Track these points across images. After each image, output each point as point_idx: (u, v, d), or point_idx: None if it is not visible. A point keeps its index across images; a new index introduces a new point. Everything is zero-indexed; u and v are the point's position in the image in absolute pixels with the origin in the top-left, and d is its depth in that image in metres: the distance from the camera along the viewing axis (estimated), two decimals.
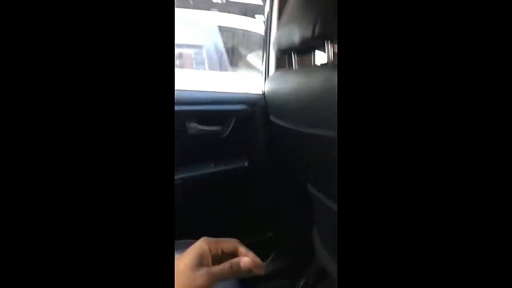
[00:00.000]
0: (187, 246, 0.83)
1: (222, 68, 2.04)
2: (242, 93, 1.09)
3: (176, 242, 0.86)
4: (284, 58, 1.00)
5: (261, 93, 1.09)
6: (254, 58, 2.20)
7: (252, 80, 1.14)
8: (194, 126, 1.02)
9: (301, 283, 1.30)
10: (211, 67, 2.03)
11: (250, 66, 2.24)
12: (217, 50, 2.05)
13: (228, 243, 0.41)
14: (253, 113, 1.07)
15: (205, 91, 1.07)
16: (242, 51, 2.33)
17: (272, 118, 0.94)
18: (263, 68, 1.10)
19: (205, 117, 1.03)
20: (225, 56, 2.09)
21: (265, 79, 1.09)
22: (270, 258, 1.24)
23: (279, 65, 1.04)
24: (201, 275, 0.36)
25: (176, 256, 0.61)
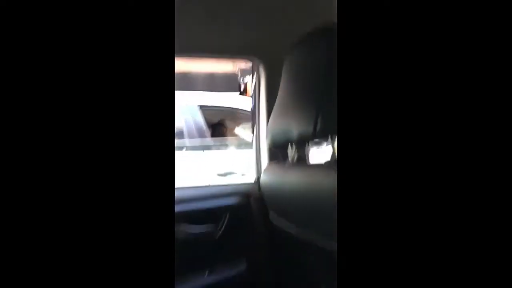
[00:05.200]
0: None
1: (205, 148, 1.99)
2: (233, 184, 1.00)
3: None
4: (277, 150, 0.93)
5: (254, 181, 1.00)
6: (242, 130, 2.17)
7: (243, 158, 1.05)
8: (182, 229, 0.90)
9: None
10: (194, 148, 1.97)
11: (238, 140, 2.21)
12: (199, 130, 2.02)
13: None
14: (248, 206, 0.96)
15: (190, 187, 0.97)
16: (229, 125, 2.32)
17: (272, 217, 0.84)
18: (253, 149, 1.02)
19: (194, 217, 0.92)
20: (208, 135, 2.05)
21: (256, 162, 1.00)
22: None
23: (272, 156, 0.96)
24: None
25: None
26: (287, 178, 0.72)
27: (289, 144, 0.72)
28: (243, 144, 2.10)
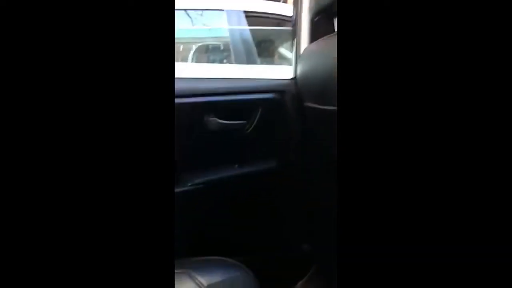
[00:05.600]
0: (207, 264, 0.69)
1: (250, 61, 1.92)
2: (269, 79, 0.96)
3: (195, 259, 0.74)
4: (320, 28, 0.85)
5: (291, 77, 0.94)
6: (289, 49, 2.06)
7: (284, 70, 1.00)
8: (214, 121, 0.90)
9: None
10: (238, 61, 1.92)
11: (283, 58, 2.11)
12: (244, 42, 1.94)
13: None
14: (282, 102, 0.93)
15: (225, 79, 0.95)
16: (274, 42, 2.20)
17: (307, 102, 0.80)
18: (293, 50, 0.96)
19: (226, 109, 0.92)
20: (253, 48, 1.96)
21: (295, 62, 0.95)
22: (307, 275, 1.10)
23: (314, 37, 0.88)
24: None
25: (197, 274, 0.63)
26: (327, 53, 0.66)
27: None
28: (287, 60, 2.01)
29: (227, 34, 1.95)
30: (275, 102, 0.94)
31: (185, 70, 1.92)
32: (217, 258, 0.80)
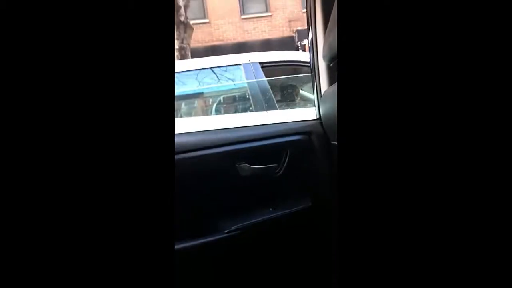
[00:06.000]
0: None
1: (269, 107, 2.01)
2: (294, 121, 1.00)
3: None
4: (336, 72, 0.91)
5: (316, 118, 0.98)
6: (309, 90, 2.14)
7: (308, 112, 1.05)
8: (245, 167, 0.94)
9: None
10: (257, 108, 2.01)
11: (306, 100, 2.19)
12: (261, 90, 2.04)
13: None
14: (309, 142, 0.96)
15: (252, 126, 1.00)
16: (296, 86, 2.31)
17: (332, 141, 0.83)
18: (314, 93, 1.01)
19: (256, 154, 0.95)
20: (271, 95, 2.06)
21: (318, 102, 0.99)
22: None
23: (332, 80, 0.94)
24: None
25: None
26: None
27: None
28: (307, 102, 2.08)
29: (246, 85, 2.07)
30: (303, 143, 0.97)
31: (209, 123, 2.04)
32: None
